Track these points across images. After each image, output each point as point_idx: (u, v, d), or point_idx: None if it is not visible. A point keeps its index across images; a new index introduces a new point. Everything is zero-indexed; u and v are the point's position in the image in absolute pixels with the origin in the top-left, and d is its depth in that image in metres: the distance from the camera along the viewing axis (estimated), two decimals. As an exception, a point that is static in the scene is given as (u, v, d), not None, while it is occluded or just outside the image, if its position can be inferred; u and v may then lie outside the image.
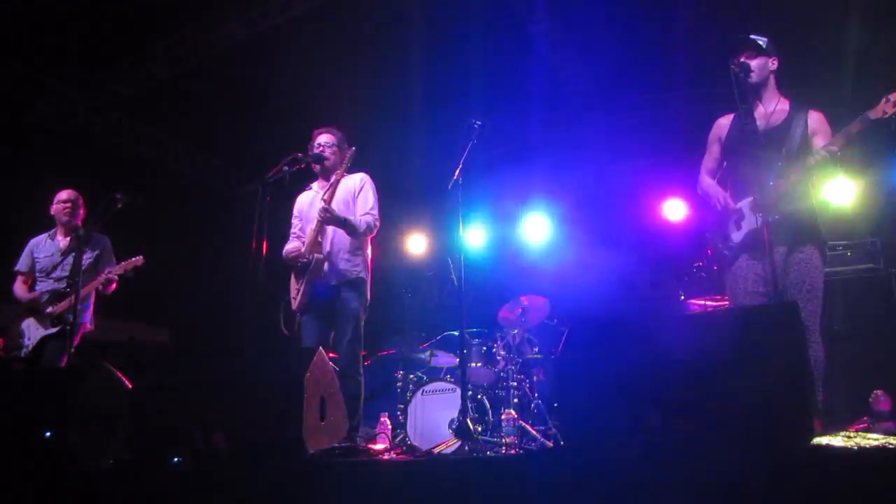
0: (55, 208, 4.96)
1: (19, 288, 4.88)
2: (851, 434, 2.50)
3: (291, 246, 4.33)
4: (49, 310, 4.71)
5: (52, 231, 5.01)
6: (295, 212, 4.48)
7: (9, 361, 4.70)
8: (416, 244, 8.19)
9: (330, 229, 4.17)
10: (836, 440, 2.24)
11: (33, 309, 4.76)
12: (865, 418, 3.97)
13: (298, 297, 4.11)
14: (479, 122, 3.77)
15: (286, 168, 4.00)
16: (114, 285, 4.86)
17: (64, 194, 4.98)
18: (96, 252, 4.91)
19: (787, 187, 3.25)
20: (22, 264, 4.93)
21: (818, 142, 3.33)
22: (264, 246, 3.81)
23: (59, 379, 3.47)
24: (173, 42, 7.06)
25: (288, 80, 7.10)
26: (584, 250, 7.05)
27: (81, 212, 5.00)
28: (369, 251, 4.33)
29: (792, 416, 2.09)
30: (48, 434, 3.09)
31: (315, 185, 4.47)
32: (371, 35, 6.78)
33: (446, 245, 7.52)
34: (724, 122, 3.66)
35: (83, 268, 4.58)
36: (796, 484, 1.94)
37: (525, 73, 7.35)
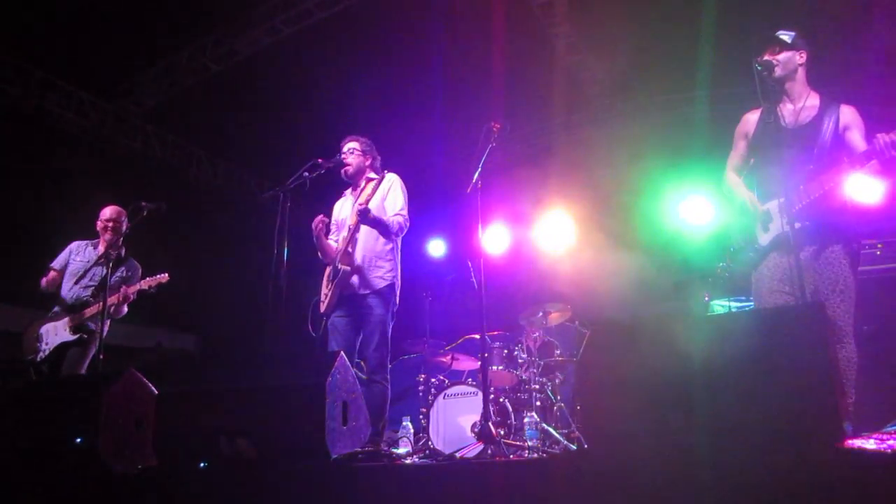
0: (98, 225, 5.07)
1: (46, 281, 4.97)
2: (884, 437, 2.44)
3: (316, 221, 4.31)
4: (82, 311, 4.78)
5: (96, 241, 5.12)
6: (332, 219, 4.51)
7: (26, 365, 4.77)
8: (436, 248, 8.20)
9: (360, 239, 4.19)
10: (868, 443, 2.19)
11: (69, 309, 4.83)
12: (898, 421, 3.87)
13: (327, 301, 4.14)
14: (497, 125, 3.76)
15: (306, 174, 4.04)
16: (125, 308, 4.93)
17: (107, 212, 5.07)
18: (127, 274, 5.02)
19: (819, 194, 3.15)
20: (57, 262, 5.03)
21: (852, 136, 3.23)
22: (285, 251, 3.85)
23: (87, 385, 3.54)
24: (197, 51, 7.18)
25: (310, 85, 7.17)
26: (606, 252, 6.99)
27: (125, 227, 5.00)
28: (399, 255, 4.35)
29: (821, 418, 2.05)
30: (78, 440, 3.14)
31: (347, 191, 4.53)
32: (391, 41, 6.82)
33: (466, 248, 7.52)
34: (752, 118, 3.57)
35: (111, 283, 4.66)
36: (826, 487, 1.91)
37: (545, 75, 7.34)
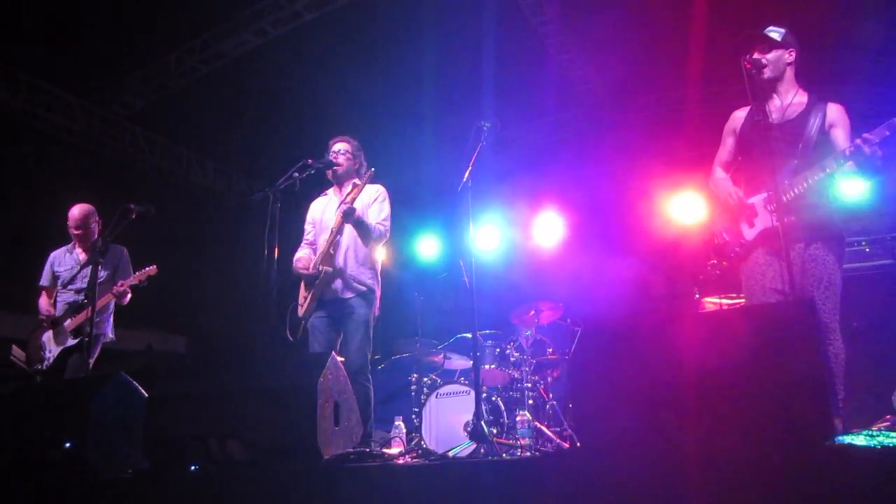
0: (69, 228, 4.99)
1: (44, 302, 4.95)
2: (874, 433, 2.46)
3: (301, 254, 4.36)
4: (66, 322, 4.75)
5: (71, 244, 5.07)
6: (308, 218, 4.50)
7: (32, 375, 4.76)
8: (428, 247, 8.19)
9: (343, 242, 4.18)
10: (858, 439, 2.21)
11: (53, 323, 4.81)
12: (888, 417, 3.90)
13: (306, 305, 4.13)
14: (488, 124, 3.75)
15: (296, 175, 4.02)
16: (128, 296, 4.89)
17: (76, 211, 4.98)
18: (114, 264, 4.95)
19: (803, 189, 3.18)
20: (44, 279, 5.00)
21: (836, 134, 3.25)
22: (276, 253, 3.83)
23: (77, 389, 3.51)
24: (185, 53, 7.14)
25: (298, 87, 7.15)
26: (597, 250, 7.01)
27: (96, 225, 5.01)
28: (379, 261, 4.35)
29: (811, 415, 2.06)
30: (68, 444, 3.11)
31: (330, 191, 4.51)
32: (380, 40, 6.81)
33: (457, 248, 7.52)
34: (740, 115, 3.60)
35: (101, 280, 4.62)
36: (817, 484, 1.91)
37: (536, 74, 7.35)
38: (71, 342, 4.73)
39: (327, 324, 4.14)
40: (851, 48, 5.99)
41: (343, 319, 4.11)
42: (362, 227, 4.15)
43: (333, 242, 4.13)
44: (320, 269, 4.09)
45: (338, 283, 4.13)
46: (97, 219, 5.04)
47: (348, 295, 4.12)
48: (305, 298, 4.15)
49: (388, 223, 4.31)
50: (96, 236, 4.99)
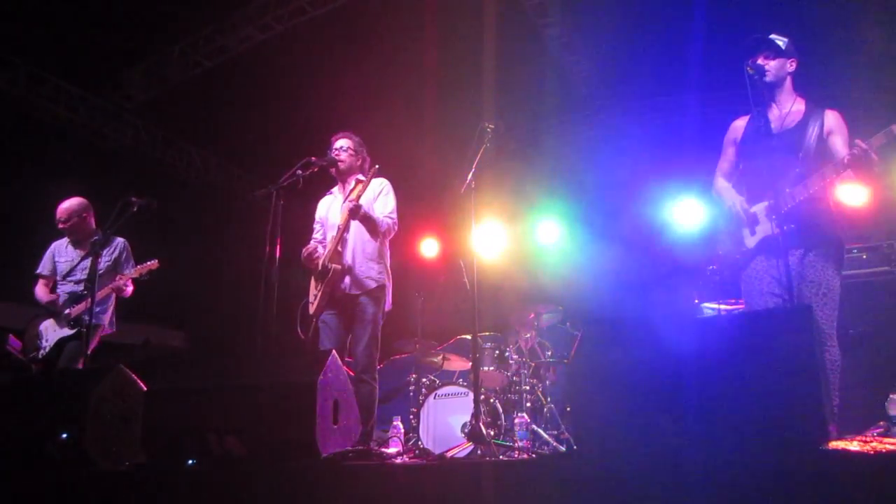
0: (56, 219, 4.95)
1: (40, 291, 4.94)
2: (868, 439, 2.47)
3: (310, 247, 4.35)
4: (67, 311, 4.77)
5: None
6: (316, 217, 4.49)
7: (28, 363, 4.77)
8: (429, 248, 8.20)
9: (350, 238, 4.18)
10: (852, 445, 2.22)
11: (52, 311, 4.83)
12: (882, 423, 3.91)
13: (316, 302, 4.12)
14: (491, 126, 3.76)
15: (299, 172, 4.02)
16: (130, 289, 4.89)
17: (61, 205, 4.92)
18: (114, 255, 4.95)
19: (804, 196, 3.20)
20: (43, 268, 5.00)
21: (834, 141, 3.27)
22: (278, 250, 3.84)
23: (75, 381, 3.52)
24: (188, 47, 7.14)
25: (301, 83, 7.15)
26: (597, 253, 7.02)
27: (82, 219, 4.97)
28: (388, 256, 4.35)
29: (806, 421, 2.08)
30: (65, 436, 3.12)
31: (335, 189, 4.50)
32: (384, 38, 6.82)
33: (459, 249, 7.52)
34: (740, 124, 3.62)
35: (101, 271, 4.62)
36: (811, 489, 1.93)
37: (538, 75, 7.36)
38: (68, 332, 4.75)
39: (338, 321, 4.13)
40: (849, 53, 6.01)
41: (352, 318, 4.11)
42: (370, 223, 4.14)
43: (340, 240, 4.14)
44: (329, 266, 4.09)
45: (347, 280, 4.13)
46: (86, 213, 4.98)
47: (357, 292, 4.12)
48: (316, 296, 4.15)
49: (394, 215, 4.30)
50: (93, 228, 4.99)
